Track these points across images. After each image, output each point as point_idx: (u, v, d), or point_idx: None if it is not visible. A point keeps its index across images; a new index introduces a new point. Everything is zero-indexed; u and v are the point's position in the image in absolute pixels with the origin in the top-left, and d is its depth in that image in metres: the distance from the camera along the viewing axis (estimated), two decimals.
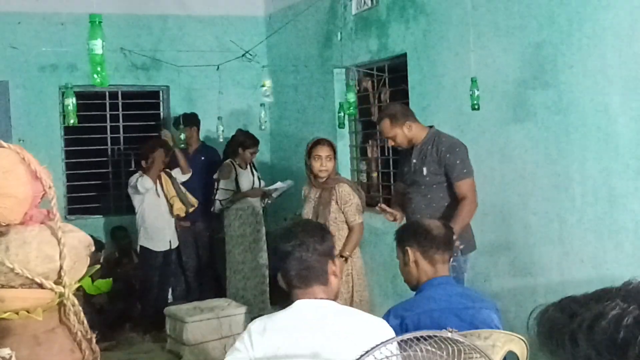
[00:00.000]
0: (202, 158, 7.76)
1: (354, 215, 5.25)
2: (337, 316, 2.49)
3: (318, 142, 5.21)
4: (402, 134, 4.67)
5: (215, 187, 7.24)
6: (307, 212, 5.20)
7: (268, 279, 7.26)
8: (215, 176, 7.31)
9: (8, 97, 7.70)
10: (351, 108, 6.15)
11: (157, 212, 6.99)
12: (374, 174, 7.39)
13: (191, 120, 7.78)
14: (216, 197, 7.23)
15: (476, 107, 4.84)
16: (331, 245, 2.66)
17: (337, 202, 5.17)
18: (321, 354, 2.33)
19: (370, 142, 7.46)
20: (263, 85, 6.24)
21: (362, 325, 2.46)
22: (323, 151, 5.14)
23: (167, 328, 6.47)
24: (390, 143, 4.76)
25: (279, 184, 7.41)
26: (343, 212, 5.16)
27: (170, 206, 7.05)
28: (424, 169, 4.62)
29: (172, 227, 7.13)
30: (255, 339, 2.43)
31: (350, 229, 5.23)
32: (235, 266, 7.14)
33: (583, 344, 1.03)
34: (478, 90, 4.83)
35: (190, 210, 7.16)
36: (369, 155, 7.44)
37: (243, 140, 7.44)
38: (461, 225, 4.42)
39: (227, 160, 7.34)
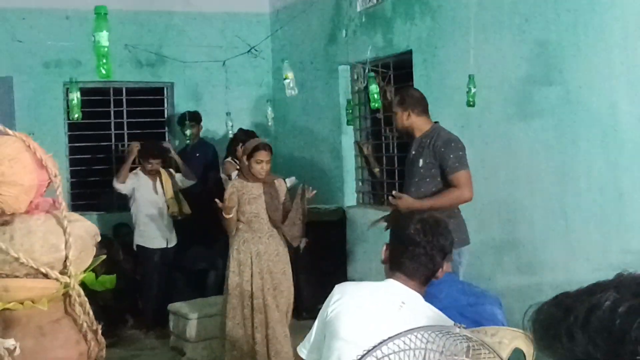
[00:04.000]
0: (197, 154, 7.75)
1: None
2: (413, 307, 2.51)
3: (260, 146, 5.51)
4: (400, 117, 4.78)
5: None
6: (258, 208, 5.46)
7: None
8: (222, 175, 7.26)
9: (12, 93, 7.67)
10: (376, 102, 6.02)
11: (153, 209, 6.96)
12: (376, 170, 7.37)
13: (197, 117, 7.79)
14: None
15: (471, 103, 4.87)
16: (450, 250, 2.69)
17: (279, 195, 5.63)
18: (385, 323, 2.33)
19: (363, 138, 7.45)
20: (286, 78, 6.07)
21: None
22: (263, 156, 5.44)
23: (171, 325, 6.45)
24: (393, 117, 4.90)
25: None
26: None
27: (168, 206, 7.03)
28: (420, 160, 4.66)
29: (170, 225, 7.09)
30: (335, 297, 2.57)
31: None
32: None
33: (580, 337, 1.03)
34: (475, 87, 4.83)
35: (181, 217, 7.13)
36: (365, 152, 7.42)
37: (244, 140, 7.43)
38: (435, 203, 4.41)
39: (228, 158, 7.29)
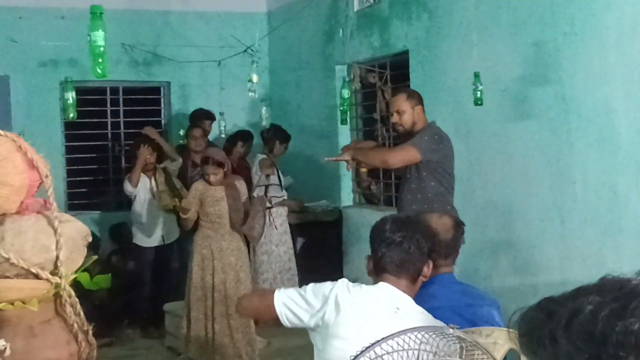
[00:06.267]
0: None
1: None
2: (408, 312, 2.52)
3: (208, 161, 5.80)
4: (410, 113, 4.74)
5: (266, 182, 7.14)
6: (221, 210, 5.77)
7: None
8: (258, 172, 7.21)
9: (8, 92, 7.65)
10: (345, 105, 6.14)
11: (149, 207, 6.95)
12: (363, 170, 7.34)
13: (211, 115, 7.74)
14: (268, 193, 7.13)
15: (479, 102, 4.80)
16: (431, 248, 2.71)
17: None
18: (378, 334, 2.33)
19: (356, 139, 7.44)
20: (250, 80, 6.19)
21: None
22: (210, 170, 5.75)
23: (166, 324, 6.45)
24: (396, 119, 4.78)
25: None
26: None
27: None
28: None
29: (167, 221, 7.05)
30: (340, 292, 2.55)
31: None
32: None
33: (562, 342, 1.02)
34: (481, 85, 4.77)
35: (178, 210, 7.07)
36: None
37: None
38: (365, 157, 4.68)
39: (263, 156, 7.28)
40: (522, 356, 2.86)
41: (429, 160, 4.59)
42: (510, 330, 2.94)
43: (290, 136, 7.35)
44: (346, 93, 6.18)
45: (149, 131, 7.20)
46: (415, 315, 2.53)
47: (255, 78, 6.18)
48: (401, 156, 4.62)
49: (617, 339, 0.98)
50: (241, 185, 6.02)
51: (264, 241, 7.01)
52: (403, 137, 4.84)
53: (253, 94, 6.25)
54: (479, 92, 4.78)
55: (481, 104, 4.80)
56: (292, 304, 2.63)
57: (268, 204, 7.08)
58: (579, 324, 1.01)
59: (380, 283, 2.62)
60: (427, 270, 2.69)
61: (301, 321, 2.61)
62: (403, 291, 2.60)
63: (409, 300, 2.59)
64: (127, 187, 6.93)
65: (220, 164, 5.75)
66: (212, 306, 5.71)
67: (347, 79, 6.42)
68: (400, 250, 2.61)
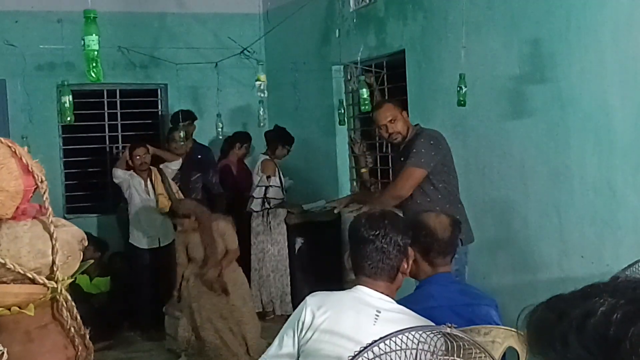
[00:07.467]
0: (199, 156, 7.71)
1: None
2: (389, 314, 2.50)
3: (172, 214, 6.00)
4: (403, 119, 4.77)
5: (267, 183, 7.17)
6: (202, 255, 5.79)
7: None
8: (260, 172, 7.24)
9: (6, 96, 7.67)
10: (366, 106, 6.08)
11: (144, 209, 6.96)
12: (363, 170, 7.37)
13: (192, 116, 7.74)
14: (268, 194, 7.18)
15: (462, 103, 4.85)
16: (409, 243, 2.66)
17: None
18: (362, 341, 2.32)
19: (355, 138, 7.46)
20: (258, 80, 6.15)
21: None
22: (175, 222, 5.93)
23: (166, 326, 6.45)
24: (392, 128, 4.77)
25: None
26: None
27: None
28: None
29: (164, 223, 7.04)
30: (309, 314, 2.51)
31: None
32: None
33: (574, 344, 1.00)
34: (466, 86, 4.81)
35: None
36: (356, 152, 7.43)
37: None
38: (380, 204, 4.60)
39: (265, 157, 7.31)
40: (520, 355, 2.87)
41: (434, 165, 4.63)
42: (513, 329, 2.95)
43: (293, 138, 7.40)
44: (364, 93, 6.11)
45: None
46: (398, 317, 2.51)
47: (263, 77, 6.11)
48: (410, 182, 4.62)
49: (630, 343, 0.95)
50: (218, 225, 5.86)
51: (261, 239, 7.11)
52: (398, 143, 4.87)
53: (262, 94, 6.19)
54: (462, 93, 4.82)
55: (464, 105, 4.83)
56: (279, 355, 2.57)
57: (266, 205, 7.16)
58: (592, 327, 0.99)
59: (357, 287, 2.58)
60: (407, 266, 2.65)
61: (293, 356, 2.55)
62: (381, 292, 2.56)
63: (388, 301, 2.56)
64: (116, 172, 6.98)
65: (185, 215, 5.76)
66: (208, 310, 5.78)
67: (362, 78, 6.34)
68: (372, 248, 2.56)
